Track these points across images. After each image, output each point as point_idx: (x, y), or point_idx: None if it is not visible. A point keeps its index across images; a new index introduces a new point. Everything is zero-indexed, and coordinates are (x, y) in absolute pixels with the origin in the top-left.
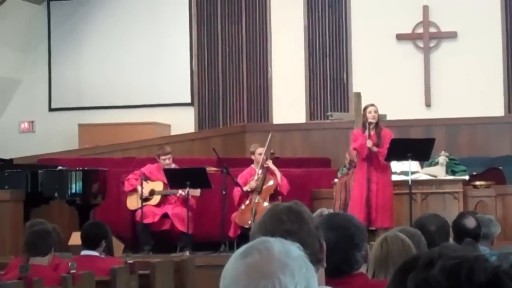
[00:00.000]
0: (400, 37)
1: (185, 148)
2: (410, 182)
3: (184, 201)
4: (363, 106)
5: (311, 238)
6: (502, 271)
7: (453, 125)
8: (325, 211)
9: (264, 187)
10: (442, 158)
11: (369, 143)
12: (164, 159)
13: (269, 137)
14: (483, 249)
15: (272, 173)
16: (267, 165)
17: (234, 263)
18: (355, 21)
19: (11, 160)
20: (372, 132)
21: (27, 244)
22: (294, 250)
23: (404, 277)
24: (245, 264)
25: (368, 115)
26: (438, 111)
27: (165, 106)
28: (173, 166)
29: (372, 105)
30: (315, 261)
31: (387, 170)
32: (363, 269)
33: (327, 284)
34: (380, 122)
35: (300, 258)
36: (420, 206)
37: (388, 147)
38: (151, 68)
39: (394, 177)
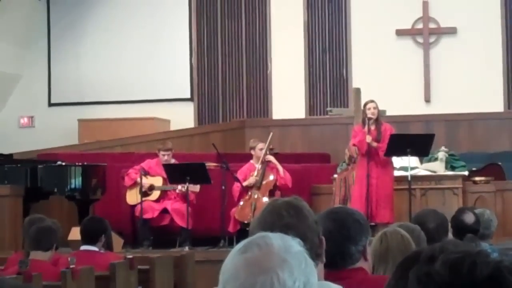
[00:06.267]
0: (400, 33)
1: (184, 143)
2: (409, 178)
3: (184, 196)
4: (362, 101)
5: (310, 233)
6: (504, 266)
7: (453, 121)
8: None
9: (264, 182)
10: (442, 154)
11: (368, 139)
12: (164, 155)
13: (270, 136)
14: (484, 245)
15: (272, 168)
16: (268, 160)
17: (233, 258)
18: (354, 16)
19: (10, 155)
20: (372, 128)
21: (30, 239)
22: (294, 245)
23: (406, 272)
24: (244, 259)
25: (368, 111)
26: (438, 107)
27: (165, 102)
28: (172, 161)
29: (372, 101)
30: (314, 256)
31: (388, 166)
32: (366, 267)
33: (326, 278)
34: (380, 118)
35: (299, 253)
36: (419, 201)
37: (387, 142)
38: (151, 63)
39: (394, 173)
